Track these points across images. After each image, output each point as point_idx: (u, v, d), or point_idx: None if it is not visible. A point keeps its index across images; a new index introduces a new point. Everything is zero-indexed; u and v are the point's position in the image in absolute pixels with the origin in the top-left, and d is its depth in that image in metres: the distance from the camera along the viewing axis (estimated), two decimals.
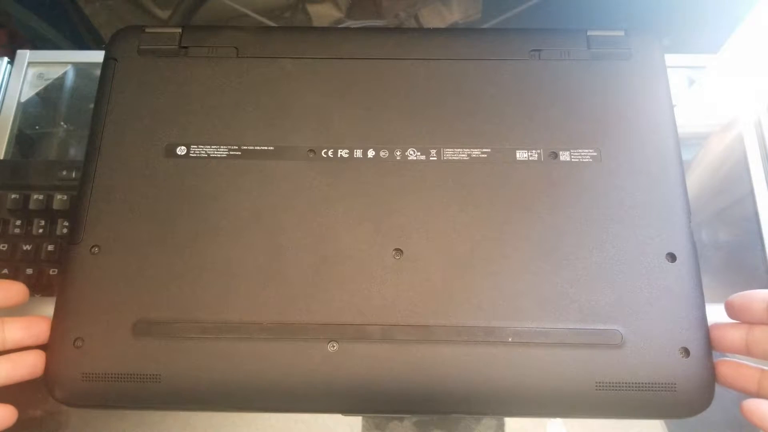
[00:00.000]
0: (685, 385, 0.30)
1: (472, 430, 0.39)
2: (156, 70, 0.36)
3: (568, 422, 0.39)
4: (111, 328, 0.31)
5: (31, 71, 0.51)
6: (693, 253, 0.32)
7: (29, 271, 0.40)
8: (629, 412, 0.30)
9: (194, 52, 0.37)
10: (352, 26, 0.66)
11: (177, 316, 0.31)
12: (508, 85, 0.36)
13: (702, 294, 0.31)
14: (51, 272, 0.40)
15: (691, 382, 0.30)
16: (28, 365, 0.31)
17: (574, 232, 0.32)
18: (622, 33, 0.37)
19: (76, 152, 0.49)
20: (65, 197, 0.41)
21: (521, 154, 0.34)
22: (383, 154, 0.34)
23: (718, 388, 0.30)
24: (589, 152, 0.34)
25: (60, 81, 0.51)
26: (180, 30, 0.37)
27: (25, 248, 0.41)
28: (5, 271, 0.41)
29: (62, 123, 0.50)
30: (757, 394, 0.29)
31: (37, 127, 0.50)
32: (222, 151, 0.34)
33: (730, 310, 0.31)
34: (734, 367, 0.30)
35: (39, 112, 0.50)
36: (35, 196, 0.41)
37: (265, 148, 0.34)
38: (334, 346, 0.30)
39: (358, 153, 0.34)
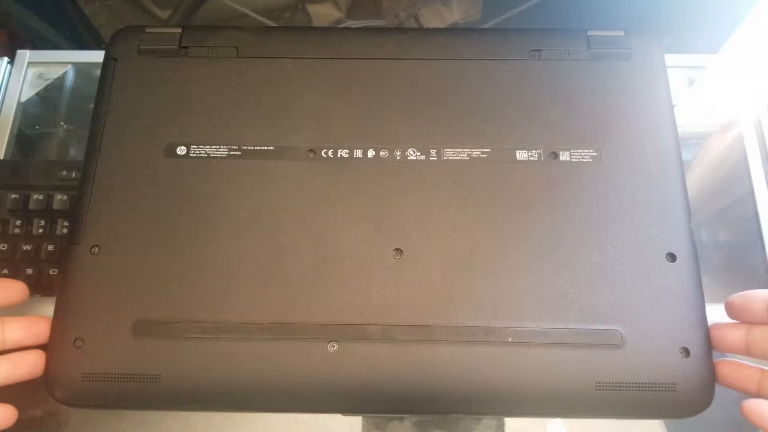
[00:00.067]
0: (685, 385, 0.30)
1: (472, 430, 0.39)
2: (156, 70, 0.36)
3: (568, 422, 0.39)
4: (111, 328, 0.31)
5: (31, 71, 0.51)
6: (693, 253, 0.32)
7: (29, 271, 0.40)
8: (629, 412, 0.30)
9: (194, 52, 0.37)
10: (352, 26, 0.66)
11: (177, 316, 0.31)
12: (508, 85, 0.36)
13: (702, 294, 0.31)
14: (51, 272, 0.41)
15: (691, 382, 0.30)
16: (28, 365, 0.31)
17: (574, 232, 0.32)
18: (622, 33, 0.37)
19: (76, 152, 0.49)
20: (65, 197, 0.41)
21: (521, 154, 0.34)
22: (383, 154, 0.34)
23: (718, 388, 0.30)
24: (589, 152, 0.34)
25: (60, 81, 0.51)
26: (180, 30, 0.37)
27: (25, 248, 0.41)
28: (5, 271, 0.41)
29: (62, 123, 0.50)
30: (757, 394, 0.29)
31: (37, 127, 0.50)
32: (222, 151, 0.34)
33: (730, 310, 0.31)
34: (734, 367, 0.30)
35: (39, 112, 0.50)
36: (35, 196, 0.41)
37: (265, 148, 0.34)
38: (334, 346, 0.30)
39: (358, 153, 0.34)
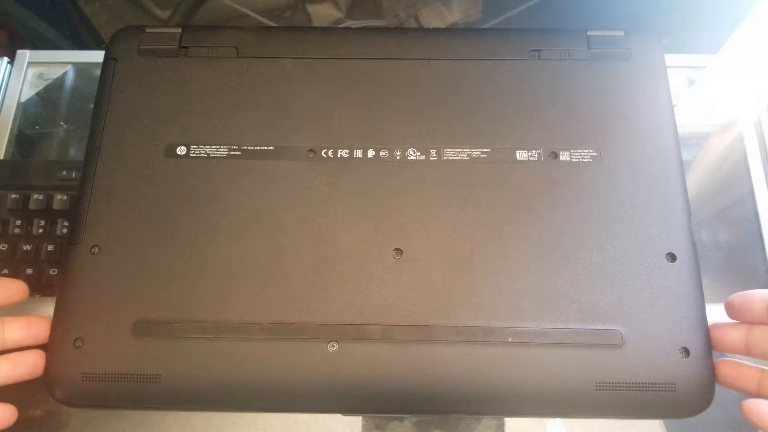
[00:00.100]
0: (685, 385, 0.30)
1: (472, 430, 0.39)
2: (156, 70, 0.36)
3: (568, 422, 0.39)
4: (111, 328, 0.31)
5: (31, 71, 0.51)
6: (693, 253, 0.32)
7: (29, 271, 0.40)
8: (629, 412, 0.30)
9: (194, 52, 0.37)
10: (352, 26, 0.66)
11: (177, 316, 0.31)
12: (508, 85, 0.36)
13: (702, 294, 0.31)
14: (51, 272, 0.41)
15: (691, 382, 0.30)
16: (28, 365, 0.31)
17: (574, 232, 0.32)
18: (622, 33, 0.37)
19: (76, 152, 0.49)
20: (65, 197, 0.41)
21: (521, 154, 0.34)
22: (383, 154, 0.34)
23: (718, 388, 0.30)
24: (589, 152, 0.34)
25: (60, 81, 0.51)
26: (180, 30, 0.37)
27: (25, 248, 0.41)
28: (5, 271, 0.41)
29: (62, 123, 0.50)
30: (757, 394, 0.29)
31: (37, 127, 0.50)
32: (222, 151, 0.34)
33: (730, 310, 0.31)
34: (734, 367, 0.30)
35: (39, 112, 0.50)
36: (35, 196, 0.41)
37: (265, 148, 0.34)
38: (334, 346, 0.30)
39: (358, 153, 0.34)
